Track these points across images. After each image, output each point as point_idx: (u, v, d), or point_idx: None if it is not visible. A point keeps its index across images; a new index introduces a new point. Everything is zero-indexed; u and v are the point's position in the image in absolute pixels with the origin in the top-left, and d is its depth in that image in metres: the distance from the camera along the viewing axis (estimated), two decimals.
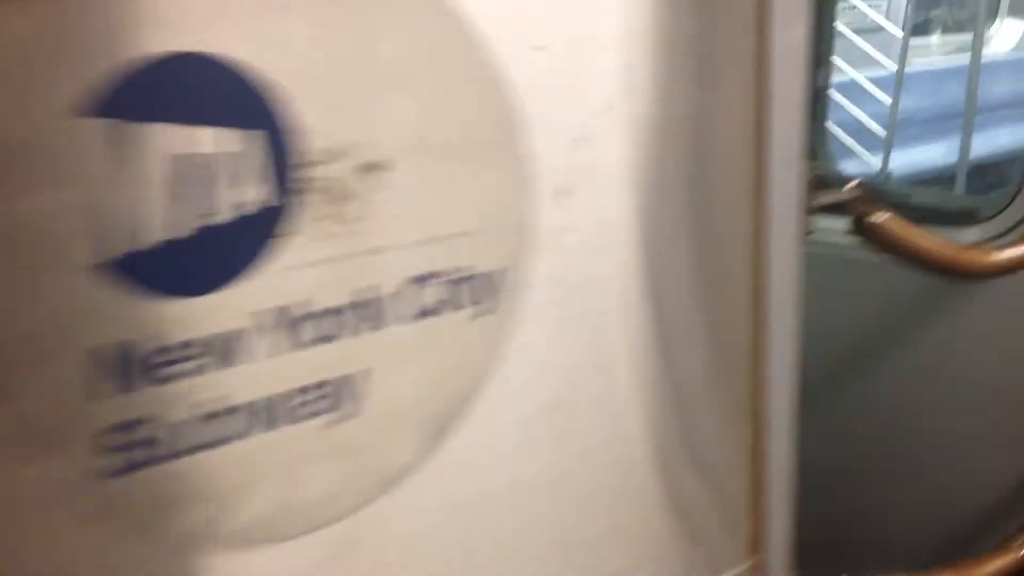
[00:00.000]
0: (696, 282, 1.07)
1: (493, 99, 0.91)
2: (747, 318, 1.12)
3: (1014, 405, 1.97)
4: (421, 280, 0.88)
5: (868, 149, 5.09)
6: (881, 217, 1.34)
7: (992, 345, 1.93)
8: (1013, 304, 1.87)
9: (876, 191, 1.58)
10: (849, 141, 4.93)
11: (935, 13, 6.42)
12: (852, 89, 5.08)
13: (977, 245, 1.72)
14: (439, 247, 0.89)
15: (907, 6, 5.29)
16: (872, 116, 5.11)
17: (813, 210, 1.15)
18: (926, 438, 2.01)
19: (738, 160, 1.07)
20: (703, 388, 1.10)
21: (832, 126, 4.75)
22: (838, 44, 5.11)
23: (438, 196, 0.89)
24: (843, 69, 4.93)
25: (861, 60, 5.17)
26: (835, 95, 4.90)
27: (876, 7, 5.46)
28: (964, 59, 4.99)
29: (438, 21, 0.87)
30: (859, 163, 4.92)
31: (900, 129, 5.24)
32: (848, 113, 5.01)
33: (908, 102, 5.33)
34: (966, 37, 5.36)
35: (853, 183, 1.28)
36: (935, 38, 6.28)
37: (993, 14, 5.81)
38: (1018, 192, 1.83)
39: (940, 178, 5.15)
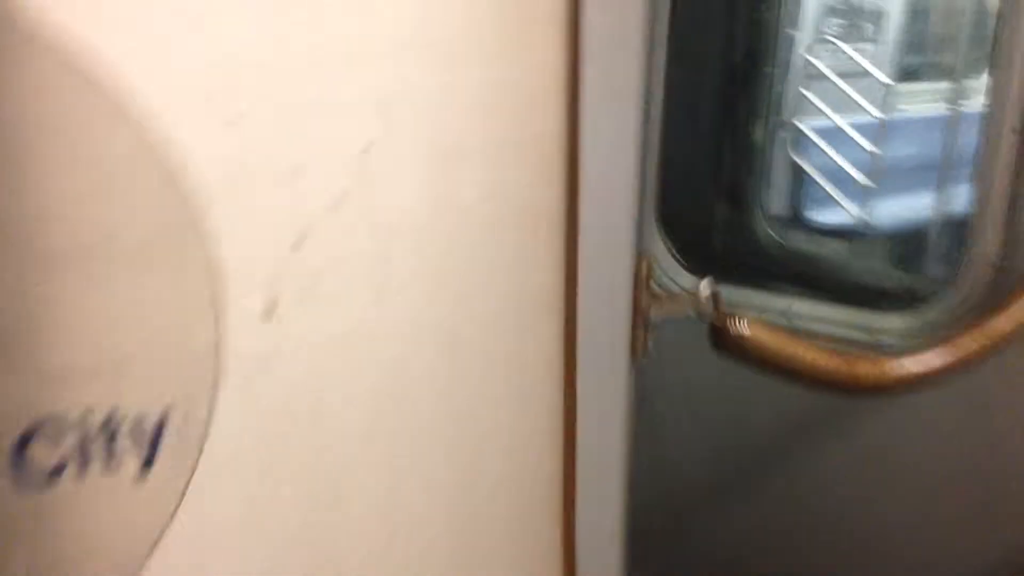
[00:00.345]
0: (478, 420, 0.84)
1: (160, 189, 0.68)
2: (555, 463, 0.88)
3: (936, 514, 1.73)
4: (33, 432, 0.65)
5: (854, 197, 4.84)
6: (743, 326, 1.08)
7: (915, 444, 1.70)
8: (932, 403, 1.63)
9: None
10: (831, 189, 4.69)
11: (934, 58, 6.19)
12: (838, 135, 4.85)
13: (873, 354, 1.45)
14: (68, 383, 0.66)
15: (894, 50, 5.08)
16: (862, 163, 4.87)
17: (650, 319, 0.92)
18: (839, 540, 1.77)
19: (533, 263, 0.84)
20: (486, 563, 0.86)
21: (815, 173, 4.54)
22: (823, 87, 4.91)
23: (67, 314, 0.66)
24: (827, 114, 4.70)
25: (851, 105, 4.94)
26: (818, 140, 4.69)
27: (864, 51, 5.25)
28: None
29: (75, 86, 0.64)
30: (841, 212, 4.67)
31: (889, 178, 4.99)
32: (831, 160, 4.78)
33: (898, 150, 5.08)
34: (969, 83, 5.12)
35: (705, 282, 1.01)
36: (929, 84, 6.05)
37: (984, 62, 5.57)
38: (957, 272, 1.57)
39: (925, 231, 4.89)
